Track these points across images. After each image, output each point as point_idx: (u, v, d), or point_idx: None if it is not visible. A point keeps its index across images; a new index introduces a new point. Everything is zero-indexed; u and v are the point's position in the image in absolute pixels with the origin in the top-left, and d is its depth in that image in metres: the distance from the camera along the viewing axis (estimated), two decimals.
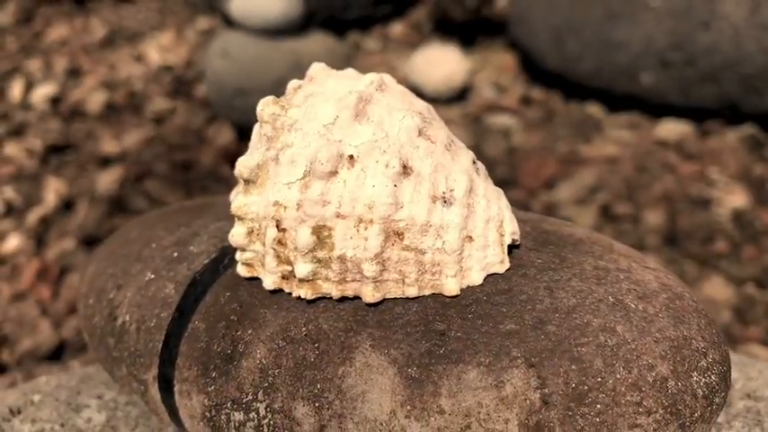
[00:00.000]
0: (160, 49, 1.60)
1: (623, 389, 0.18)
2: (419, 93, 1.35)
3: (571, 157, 1.15)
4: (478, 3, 1.47)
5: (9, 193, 1.15)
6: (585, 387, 0.17)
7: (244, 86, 1.11)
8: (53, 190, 1.15)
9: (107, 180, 1.14)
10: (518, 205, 0.79)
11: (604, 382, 0.18)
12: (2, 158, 1.24)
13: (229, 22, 1.62)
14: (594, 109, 1.26)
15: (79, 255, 1.00)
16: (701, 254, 0.94)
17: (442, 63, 1.35)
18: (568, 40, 1.24)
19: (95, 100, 1.39)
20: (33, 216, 1.09)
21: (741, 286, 0.88)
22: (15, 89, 1.47)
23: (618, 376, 0.18)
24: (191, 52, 1.60)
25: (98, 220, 1.06)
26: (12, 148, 1.27)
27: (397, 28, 1.67)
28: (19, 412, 0.32)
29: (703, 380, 0.19)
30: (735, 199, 1.03)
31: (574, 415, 0.17)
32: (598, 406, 0.18)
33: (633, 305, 0.19)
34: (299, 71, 1.12)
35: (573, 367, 0.18)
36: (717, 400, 0.19)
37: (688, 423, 0.18)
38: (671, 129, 1.17)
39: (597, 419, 0.17)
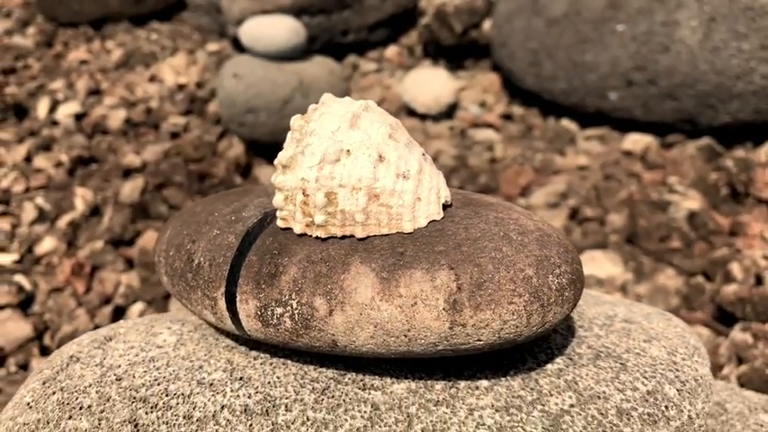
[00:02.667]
0: (173, 71, 1.74)
1: (504, 282, 0.30)
2: (411, 110, 1.48)
3: (546, 166, 1.28)
4: (465, 28, 1.61)
5: (40, 201, 1.27)
6: (482, 280, 0.30)
7: (253, 105, 1.24)
8: (80, 198, 1.27)
9: (130, 189, 1.27)
10: None
11: (493, 277, 0.30)
12: (32, 170, 1.36)
13: (237, 47, 1.76)
14: (568, 124, 1.40)
15: (108, 254, 1.12)
16: (658, 250, 1.06)
17: (432, 83, 1.48)
18: (544, 62, 1.38)
19: (116, 117, 1.52)
20: (63, 221, 1.21)
21: (691, 277, 1.01)
22: (42, 107, 1.60)
23: (501, 274, 0.30)
24: (201, 73, 1.73)
25: (123, 225, 1.18)
26: (41, 161, 1.39)
27: (391, 51, 1.81)
28: (111, 339, 0.44)
29: (556, 280, 0.31)
30: (690, 203, 1.16)
31: (475, 295, 0.30)
32: (489, 291, 0.30)
33: (515, 237, 0.32)
34: (303, 91, 1.25)
35: (475, 269, 0.30)
36: (566, 294, 0.32)
37: (546, 304, 0.31)
38: (636, 141, 1.31)
39: (489, 298, 0.30)
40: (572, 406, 0.34)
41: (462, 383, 0.35)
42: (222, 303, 0.35)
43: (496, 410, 0.33)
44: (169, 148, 1.37)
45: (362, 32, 1.75)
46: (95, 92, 1.69)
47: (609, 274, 1.01)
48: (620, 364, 0.37)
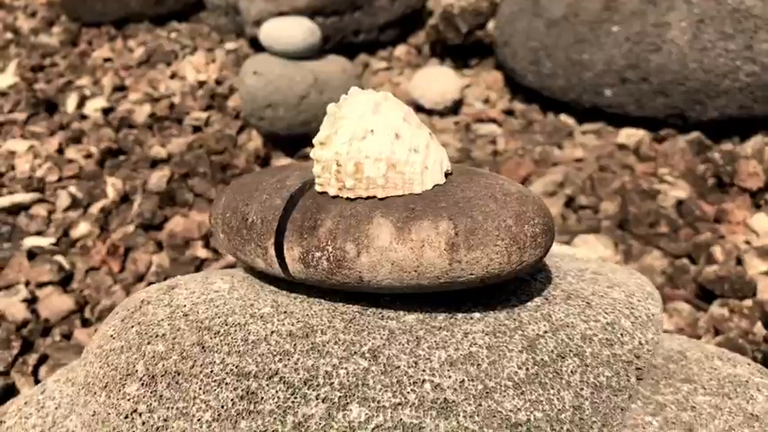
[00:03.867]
0: (193, 68, 1.84)
1: (491, 229, 0.39)
2: (419, 106, 1.58)
3: (545, 158, 1.37)
4: (470, 29, 1.70)
5: (73, 189, 1.37)
6: (474, 227, 0.39)
7: (272, 100, 1.34)
8: (111, 186, 1.36)
9: (157, 178, 1.36)
10: None
11: (482, 226, 0.39)
12: (65, 161, 1.46)
13: (254, 46, 1.86)
14: (566, 119, 1.48)
15: (139, 237, 1.21)
16: (646, 234, 1.15)
17: (439, 80, 1.57)
18: (544, 61, 1.47)
19: (141, 111, 1.62)
20: (96, 208, 1.31)
21: (676, 259, 1.10)
22: (70, 102, 1.70)
23: (489, 224, 0.40)
24: (220, 70, 1.83)
25: (152, 210, 1.27)
26: (72, 153, 1.49)
27: (400, 50, 1.91)
28: (174, 287, 0.54)
29: (531, 229, 0.41)
30: (679, 192, 1.25)
31: (468, 239, 0.39)
32: (479, 235, 0.39)
33: (500, 197, 0.41)
34: (318, 88, 1.35)
35: (469, 220, 0.39)
36: (539, 240, 0.41)
37: (522, 247, 0.40)
38: (630, 135, 1.39)
39: (479, 241, 0.39)
40: (545, 332, 0.43)
41: (460, 315, 0.44)
42: (272, 251, 0.44)
43: (486, 334, 0.43)
44: (192, 141, 1.47)
45: (373, 32, 1.84)
46: (120, 88, 1.78)
47: (600, 256, 1.10)
48: (586, 303, 0.46)
